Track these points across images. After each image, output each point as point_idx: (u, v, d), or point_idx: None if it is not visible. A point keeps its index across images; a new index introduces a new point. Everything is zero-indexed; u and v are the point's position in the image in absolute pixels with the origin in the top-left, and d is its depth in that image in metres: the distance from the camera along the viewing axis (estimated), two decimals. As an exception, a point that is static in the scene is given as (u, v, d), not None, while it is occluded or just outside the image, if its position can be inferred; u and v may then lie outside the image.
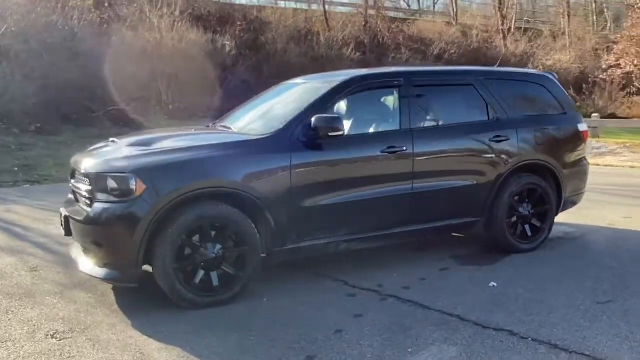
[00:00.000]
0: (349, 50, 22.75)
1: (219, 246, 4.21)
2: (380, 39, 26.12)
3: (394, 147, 4.79)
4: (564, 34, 34.24)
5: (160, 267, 4.03)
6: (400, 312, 4.11)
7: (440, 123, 5.19)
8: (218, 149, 4.34)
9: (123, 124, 15.46)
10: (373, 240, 4.91)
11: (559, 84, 6.01)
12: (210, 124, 5.95)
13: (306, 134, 4.46)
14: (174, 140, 4.67)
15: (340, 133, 4.42)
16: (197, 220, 4.10)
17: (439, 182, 5.05)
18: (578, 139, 5.89)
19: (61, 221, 4.65)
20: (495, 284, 4.66)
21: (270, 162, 4.36)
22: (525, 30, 33.54)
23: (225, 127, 5.28)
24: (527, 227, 5.55)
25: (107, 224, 4.01)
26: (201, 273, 4.18)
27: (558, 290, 4.49)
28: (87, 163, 4.37)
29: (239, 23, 21.30)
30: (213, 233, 4.20)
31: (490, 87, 5.43)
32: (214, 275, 4.21)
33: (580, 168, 5.92)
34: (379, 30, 26.69)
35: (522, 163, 5.43)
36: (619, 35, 26.91)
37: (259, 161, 4.33)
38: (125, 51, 17.26)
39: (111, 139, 5.04)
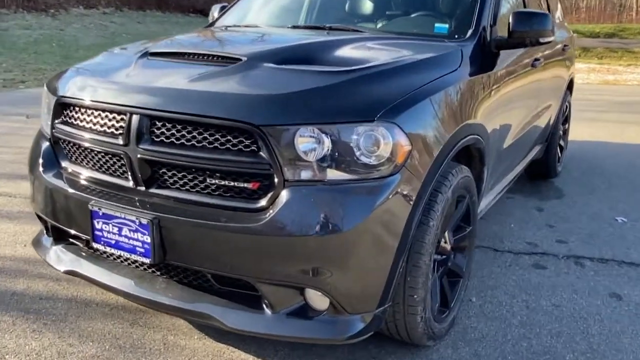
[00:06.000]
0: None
1: (451, 235, 2.52)
2: None
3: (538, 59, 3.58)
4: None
5: (419, 290, 2.17)
6: None
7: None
8: (432, 67, 2.44)
9: None
10: (508, 186, 3.72)
11: None
12: (219, 26, 3.51)
13: (496, 41, 2.90)
14: (347, 51, 2.47)
15: (552, 39, 2.99)
16: (451, 198, 2.31)
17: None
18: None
19: (116, 239, 2.15)
20: (625, 219, 4.06)
21: (487, 86, 2.71)
22: None
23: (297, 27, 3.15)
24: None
25: (335, 231, 1.89)
26: (437, 284, 2.45)
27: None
28: (228, 102, 1.99)
29: None
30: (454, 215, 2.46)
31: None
32: (445, 283, 2.52)
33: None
34: None
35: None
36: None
37: (479, 86, 2.64)
38: None
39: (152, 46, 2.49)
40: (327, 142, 1.91)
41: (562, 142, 5.12)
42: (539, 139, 4.24)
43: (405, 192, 2.00)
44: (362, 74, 2.14)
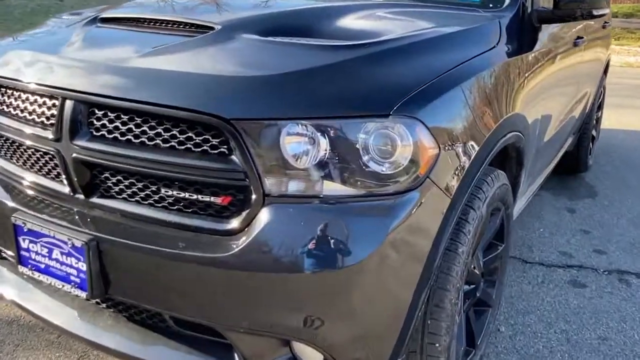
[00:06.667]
0: None
1: (481, 256, 1.99)
2: None
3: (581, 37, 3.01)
4: None
5: (443, 337, 1.65)
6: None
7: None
8: (465, 44, 1.89)
9: None
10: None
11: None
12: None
13: (539, 13, 2.33)
14: (353, 20, 1.93)
15: (608, 11, 2.43)
16: (486, 214, 1.78)
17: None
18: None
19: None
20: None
21: (528, 68, 2.17)
22: None
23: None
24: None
25: (333, 267, 1.37)
26: (464, 321, 1.93)
27: None
28: (189, 86, 1.45)
29: None
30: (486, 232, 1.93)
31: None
32: (471, 315, 2.01)
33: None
34: None
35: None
36: None
37: (519, 68, 2.09)
38: None
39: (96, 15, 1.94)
40: (325, 144, 1.39)
41: (594, 132, 4.56)
42: (573, 129, 3.69)
43: (429, 213, 1.48)
44: (373, 52, 1.59)
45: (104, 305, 1.72)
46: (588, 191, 4.11)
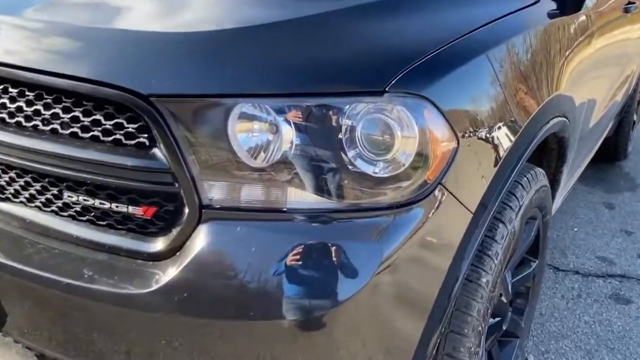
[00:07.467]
0: None
1: (509, 278, 1.54)
2: None
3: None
4: None
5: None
6: None
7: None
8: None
9: None
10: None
11: None
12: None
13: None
14: None
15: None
16: (519, 227, 1.32)
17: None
18: None
19: None
20: None
21: (575, 36, 1.69)
22: None
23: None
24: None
25: (302, 313, 0.93)
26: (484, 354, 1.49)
27: None
28: (94, 49, 1.01)
29: None
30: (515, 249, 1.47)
31: None
32: (495, 351, 1.57)
33: None
34: None
35: None
36: None
37: (564, 34, 1.61)
38: None
39: None
40: (291, 133, 0.95)
41: (634, 116, 4.03)
42: (615, 112, 3.19)
43: (441, 234, 1.03)
44: (364, 3, 1.13)
45: (9, 338, 1.31)
46: (628, 183, 3.60)
